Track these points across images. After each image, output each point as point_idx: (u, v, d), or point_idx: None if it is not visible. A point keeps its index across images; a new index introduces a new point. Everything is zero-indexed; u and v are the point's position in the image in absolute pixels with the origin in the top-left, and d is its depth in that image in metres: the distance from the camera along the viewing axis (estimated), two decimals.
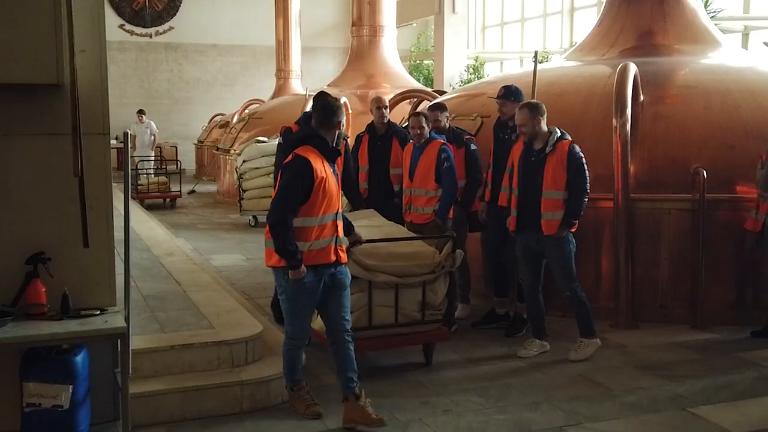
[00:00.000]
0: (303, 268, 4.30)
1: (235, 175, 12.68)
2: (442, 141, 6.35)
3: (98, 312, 3.84)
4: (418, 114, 6.46)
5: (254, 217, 12.29)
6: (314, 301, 4.52)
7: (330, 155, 4.47)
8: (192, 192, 16.97)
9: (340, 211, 4.54)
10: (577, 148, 5.70)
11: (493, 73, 20.71)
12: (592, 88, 7.58)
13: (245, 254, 9.96)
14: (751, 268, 6.60)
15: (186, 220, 13.28)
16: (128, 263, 3.87)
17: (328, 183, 4.34)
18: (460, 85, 18.97)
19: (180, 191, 15.25)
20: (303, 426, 4.54)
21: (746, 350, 5.99)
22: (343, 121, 4.54)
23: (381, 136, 7.07)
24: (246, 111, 18.45)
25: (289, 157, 4.42)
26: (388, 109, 7.17)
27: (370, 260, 5.20)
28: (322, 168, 4.33)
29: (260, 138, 13.09)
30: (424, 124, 6.31)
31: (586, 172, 5.70)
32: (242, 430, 4.49)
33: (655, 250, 6.78)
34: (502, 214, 6.23)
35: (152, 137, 18.26)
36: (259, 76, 24.41)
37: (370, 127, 7.23)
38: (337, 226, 4.45)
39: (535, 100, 5.96)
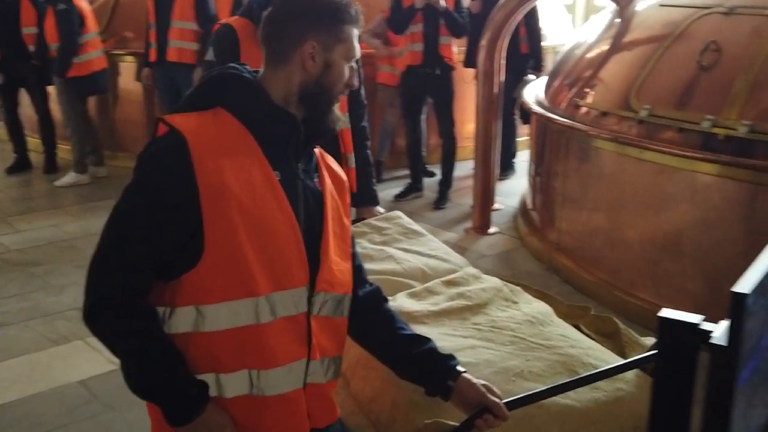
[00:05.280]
0: (212, 409, 1.54)
1: None
2: None
3: None
4: None
5: None
6: None
7: (283, 137, 1.58)
8: None
9: (346, 293, 1.69)
10: None
11: None
12: None
13: None
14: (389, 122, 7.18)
15: None
16: None
17: (264, 211, 1.52)
18: None
19: None
20: None
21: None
22: (354, 31, 1.60)
23: None
24: None
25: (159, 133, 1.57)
26: None
27: None
28: (245, 175, 1.51)
29: None
30: None
31: None
32: None
33: None
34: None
35: None
36: None
37: None
38: (311, 333, 1.60)
39: None
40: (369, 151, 3.15)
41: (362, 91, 3.09)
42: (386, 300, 1.82)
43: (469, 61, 6.30)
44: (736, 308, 1.05)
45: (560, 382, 1.76)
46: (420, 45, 5.95)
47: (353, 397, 2.05)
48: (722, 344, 1.07)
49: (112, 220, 1.52)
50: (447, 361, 1.71)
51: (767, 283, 1.14)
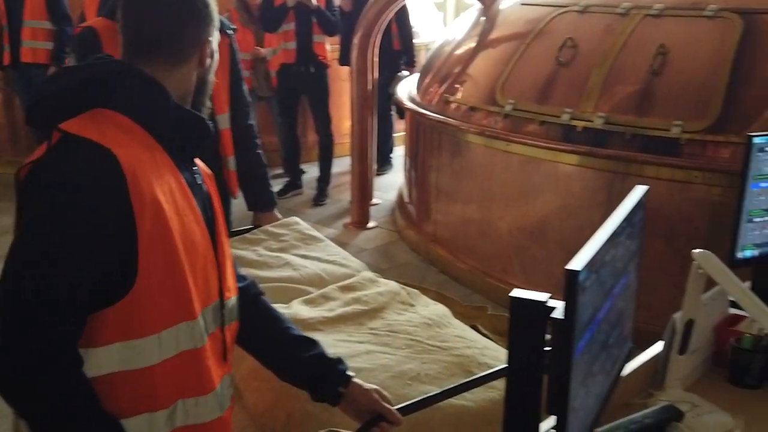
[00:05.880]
0: None
1: None
2: None
3: None
4: None
5: None
6: None
7: (187, 140, 1.43)
8: None
9: (231, 296, 1.54)
10: None
11: None
12: None
13: None
14: None
15: None
16: None
17: (187, 225, 1.36)
18: None
19: None
20: None
21: None
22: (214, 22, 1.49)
23: None
24: None
25: (52, 144, 1.30)
26: None
27: None
28: (166, 186, 1.34)
29: None
30: None
31: None
32: None
33: None
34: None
35: None
36: None
37: None
38: (225, 345, 1.50)
39: None
40: (260, 152, 2.97)
41: (244, 87, 2.95)
42: (263, 293, 1.71)
43: (344, 59, 6.38)
44: (569, 284, 1.16)
45: (455, 384, 1.77)
46: (293, 43, 5.97)
47: (246, 410, 1.99)
48: (560, 318, 1.17)
49: (24, 260, 1.23)
50: (337, 365, 1.64)
51: (599, 261, 1.26)
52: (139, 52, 1.39)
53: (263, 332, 1.66)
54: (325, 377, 1.63)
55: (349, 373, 1.65)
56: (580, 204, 4.02)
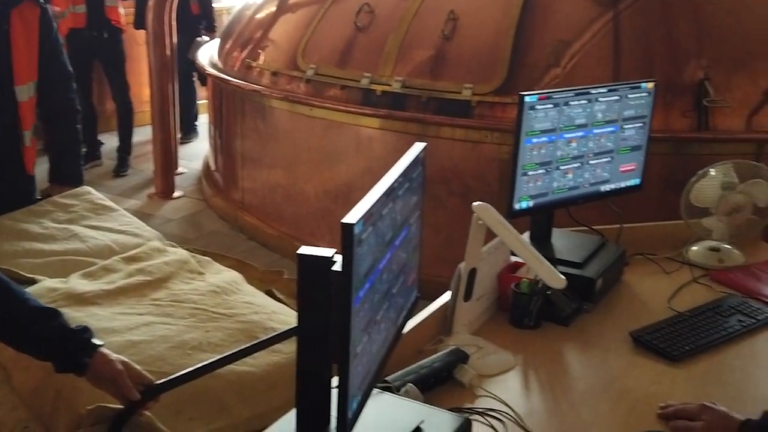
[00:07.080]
0: None
1: None
2: None
3: None
4: None
5: None
6: None
7: None
8: None
9: None
10: None
11: None
12: None
13: None
14: None
15: None
16: None
17: None
18: None
19: None
20: None
21: None
22: None
23: None
24: None
25: None
26: None
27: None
28: None
29: None
30: None
31: None
32: None
33: None
34: None
35: None
36: None
37: None
38: None
39: None
40: (79, 126, 2.85)
41: (64, 59, 2.75)
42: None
43: (139, 23, 6.09)
44: (345, 237, 1.20)
45: (233, 351, 1.71)
46: (83, 6, 5.62)
47: (15, 390, 1.89)
48: (338, 270, 1.22)
49: None
50: (81, 335, 1.58)
51: (376, 214, 1.31)
52: None
53: None
54: (66, 347, 1.55)
55: (96, 341, 1.59)
56: (382, 166, 4.05)
